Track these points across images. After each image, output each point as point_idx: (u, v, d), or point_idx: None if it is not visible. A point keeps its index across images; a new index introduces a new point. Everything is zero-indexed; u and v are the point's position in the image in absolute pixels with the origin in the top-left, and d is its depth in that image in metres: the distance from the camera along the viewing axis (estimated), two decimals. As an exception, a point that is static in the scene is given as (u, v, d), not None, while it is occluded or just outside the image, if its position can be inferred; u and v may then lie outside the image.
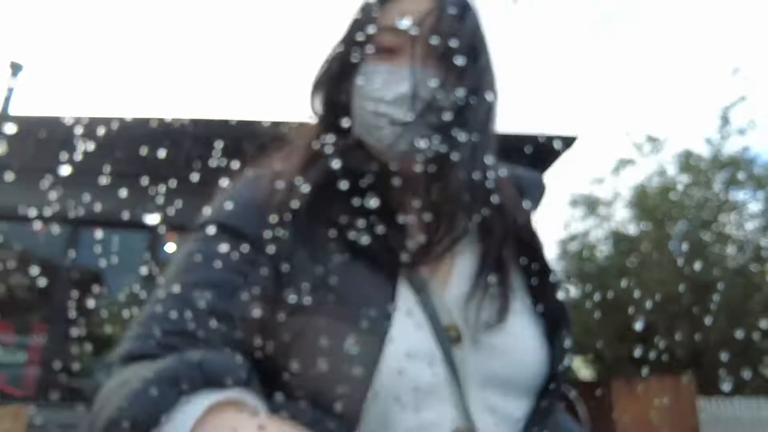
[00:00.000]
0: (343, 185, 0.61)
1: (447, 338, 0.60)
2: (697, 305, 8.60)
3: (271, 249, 0.59)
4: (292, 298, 0.58)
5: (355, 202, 0.62)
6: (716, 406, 7.35)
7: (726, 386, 7.72)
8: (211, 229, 0.61)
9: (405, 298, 0.61)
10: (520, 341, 0.63)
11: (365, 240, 0.59)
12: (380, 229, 0.61)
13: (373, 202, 0.61)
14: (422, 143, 0.64)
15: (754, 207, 9.57)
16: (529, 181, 0.78)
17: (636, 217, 10.18)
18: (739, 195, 9.56)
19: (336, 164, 0.63)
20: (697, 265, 8.72)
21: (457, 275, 0.66)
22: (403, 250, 0.62)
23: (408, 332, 0.58)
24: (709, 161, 9.60)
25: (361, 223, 0.61)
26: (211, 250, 0.59)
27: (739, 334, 7.60)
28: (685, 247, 9.17)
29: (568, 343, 0.65)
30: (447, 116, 0.64)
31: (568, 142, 5.68)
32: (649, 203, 9.59)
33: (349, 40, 0.69)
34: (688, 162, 9.66)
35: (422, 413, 0.57)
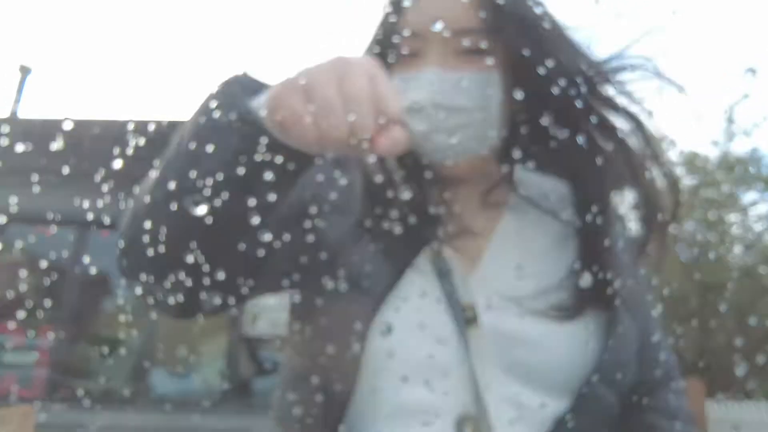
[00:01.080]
0: (378, 179, 0.60)
1: (462, 318, 0.57)
2: (705, 307, 8.54)
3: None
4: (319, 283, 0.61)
5: (382, 195, 0.61)
6: (724, 409, 7.29)
7: (734, 389, 7.66)
8: None
9: (424, 279, 0.59)
10: (551, 332, 0.57)
11: (386, 228, 0.60)
12: (399, 217, 0.61)
13: (402, 195, 0.61)
14: (443, 152, 0.60)
15: (762, 208, 9.53)
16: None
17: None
18: (747, 196, 9.51)
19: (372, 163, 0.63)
20: (705, 267, 8.66)
21: (488, 257, 0.63)
22: (425, 234, 0.61)
23: (415, 311, 0.57)
24: (716, 162, 9.55)
25: (383, 213, 0.61)
26: None
27: (747, 336, 7.54)
28: (692, 248, 9.12)
29: (628, 349, 0.60)
30: (472, 120, 0.59)
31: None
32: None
33: (372, 47, 0.66)
34: (693, 163, 9.61)
35: (422, 391, 0.55)
